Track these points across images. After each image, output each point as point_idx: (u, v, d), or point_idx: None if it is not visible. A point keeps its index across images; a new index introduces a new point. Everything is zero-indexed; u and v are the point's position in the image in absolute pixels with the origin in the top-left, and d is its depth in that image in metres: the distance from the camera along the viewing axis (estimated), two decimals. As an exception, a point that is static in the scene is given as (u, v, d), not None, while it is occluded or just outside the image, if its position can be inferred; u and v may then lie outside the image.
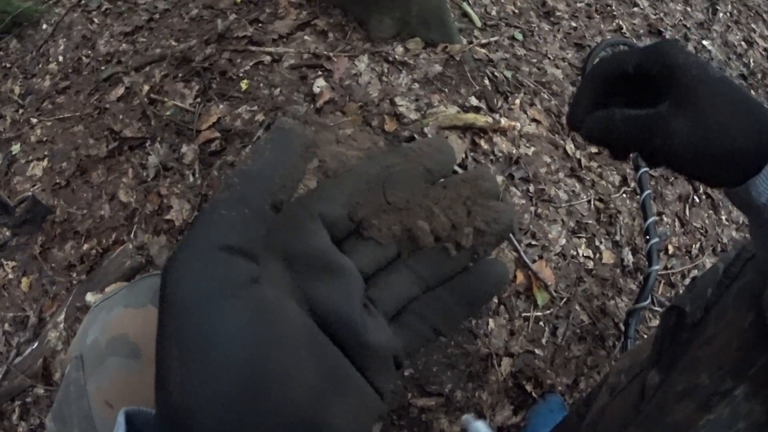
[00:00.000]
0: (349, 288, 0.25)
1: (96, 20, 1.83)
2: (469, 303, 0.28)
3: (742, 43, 2.17)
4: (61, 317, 1.44)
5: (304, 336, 0.22)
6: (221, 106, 1.45)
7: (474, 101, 1.48)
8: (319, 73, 1.45)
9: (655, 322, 1.49)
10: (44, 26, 1.91)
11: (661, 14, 2.05)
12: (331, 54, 1.46)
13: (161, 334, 0.20)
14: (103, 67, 1.70)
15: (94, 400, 0.47)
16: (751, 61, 2.13)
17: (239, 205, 0.22)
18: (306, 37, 1.51)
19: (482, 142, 1.44)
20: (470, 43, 1.60)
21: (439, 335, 0.28)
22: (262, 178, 0.23)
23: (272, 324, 0.21)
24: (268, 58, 1.48)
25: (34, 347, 1.43)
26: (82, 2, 1.91)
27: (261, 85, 1.46)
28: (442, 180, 0.28)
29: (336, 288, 0.25)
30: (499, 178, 1.44)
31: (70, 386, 0.48)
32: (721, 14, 2.19)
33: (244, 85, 1.45)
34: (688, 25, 2.08)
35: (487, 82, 1.54)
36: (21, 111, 1.79)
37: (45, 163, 1.66)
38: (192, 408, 0.18)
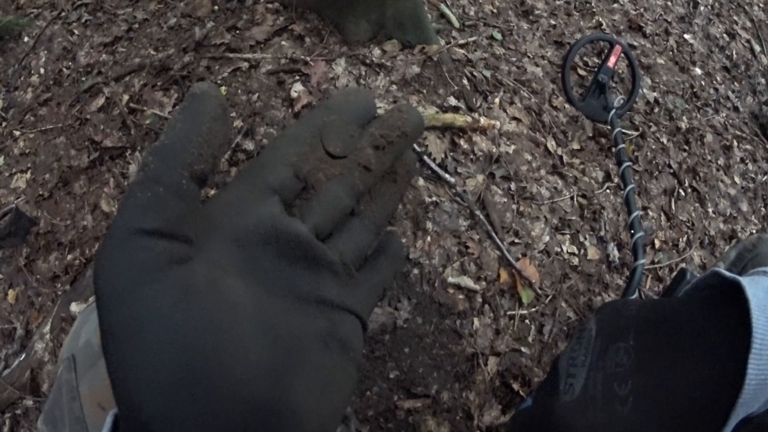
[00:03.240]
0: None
1: (76, 32, 1.84)
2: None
3: (725, 35, 2.18)
4: (47, 328, 1.43)
5: (250, 313, 0.21)
6: (200, 114, 1.44)
7: (453, 101, 1.48)
8: (297, 77, 1.45)
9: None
10: (26, 39, 1.92)
11: (642, 9, 2.05)
12: (308, 58, 1.46)
13: (99, 329, 0.19)
14: (83, 78, 1.70)
15: (87, 402, 0.46)
16: (734, 53, 2.13)
17: (153, 184, 0.20)
18: (283, 43, 1.52)
19: (462, 142, 1.44)
20: (448, 43, 1.61)
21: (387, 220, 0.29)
22: (175, 152, 0.21)
23: (204, 304, 0.20)
24: (245, 65, 1.48)
25: (21, 359, 1.43)
26: (63, 14, 1.91)
27: (239, 91, 1.46)
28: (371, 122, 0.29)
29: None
30: (480, 177, 1.44)
31: (62, 388, 0.48)
32: (702, 7, 2.19)
33: (222, 91, 1.45)
34: (669, 20, 2.08)
35: (465, 81, 1.54)
36: (4, 124, 1.79)
37: (28, 175, 1.67)
38: (137, 402, 0.18)
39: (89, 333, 0.50)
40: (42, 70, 1.83)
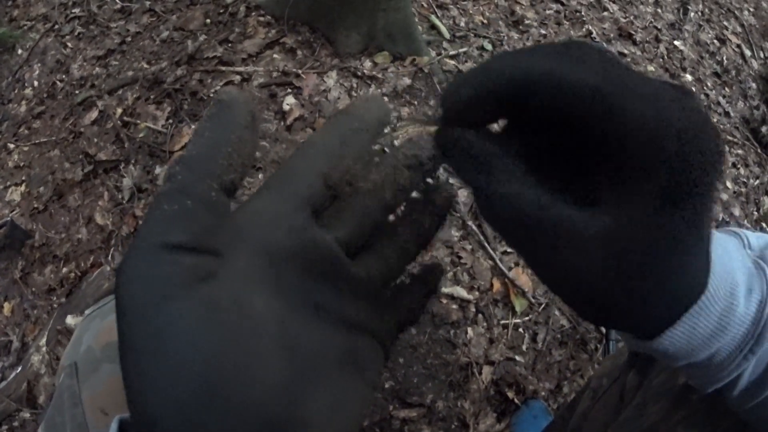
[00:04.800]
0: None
1: (69, 44, 1.85)
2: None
3: (715, 41, 2.19)
4: (43, 341, 1.44)
5: (271, 330, 0.21)
6: (193, 127, 1.46)
7: (444, 112, 1.49)
8: (289, 90, 1.46)
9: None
10: (19, 51, 1.92)
11: (631, 17, 2.07)
12: (299, 71, 1.48)
13: (119, 340, 0.19)
14: (77, 91, 1.71)
15: (89, 407, 0.47)
16: (725, 58, 2.15)
17: (180, 196, 0.20)
18: (275, 56, 1.53)
19: (453, 152, 1.45)
20: (439, 54, 1.62)
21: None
22: (203, 162, 0.21)
23: (226, 322, 0.20)
24: (237, 78, 1.49)
25: (18, 371, 1.43)
26: (56, 27, 1.92)
27: (232, 104, 1.47)
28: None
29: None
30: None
31: (64, 394, 0.48)
32: (692, 14, 2.21)
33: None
34: (659, 27, 2.10)
35: (457, 92, 1.55)
36: (-2, 137, 1.80)
37: (23, 188, 1.67)
38: (153, 416, 0.18)
39: (90, 340, 0.50)
40: (36, 83, 1.83)
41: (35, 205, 1.61)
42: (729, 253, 0.28)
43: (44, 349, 1.43)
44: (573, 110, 0.21)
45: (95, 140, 1.59)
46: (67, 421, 0.47)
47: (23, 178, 1.68)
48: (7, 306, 1.55)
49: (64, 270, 1.52)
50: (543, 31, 1.83)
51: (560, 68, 0.21)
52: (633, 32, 2.00)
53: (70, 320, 1.42)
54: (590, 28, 1.92)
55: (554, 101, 0.21)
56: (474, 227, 1.40)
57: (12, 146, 1.74)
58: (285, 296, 0.23)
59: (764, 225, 1.87)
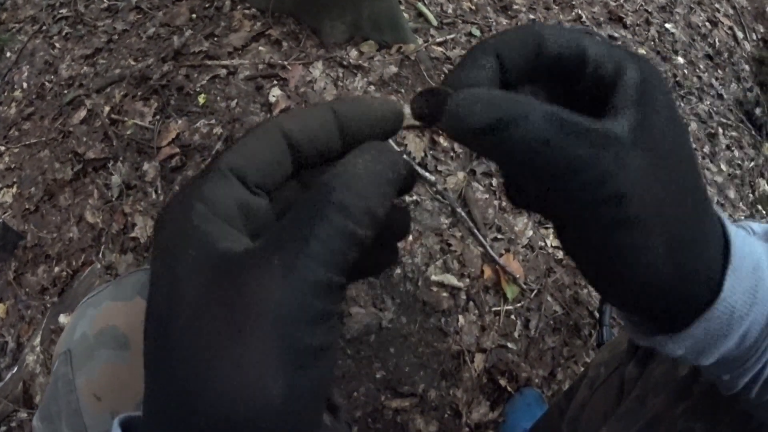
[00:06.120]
0: None
1: (57, 45, 1.85)
2: None
3: (707, 23, 2.17)
4: (37, 340, 1.44)
5: None
6: (180, 122, 1.46)
7: (431, 100, 1.48)
8: (275, 82, 1.46)
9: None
10: (8, 54, 1.93)
11: (621, 0, 2.05)
12: (285, 63, 1.47)
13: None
14: (65, 91, 1.71)
15: (83, 393, 0.47)
16: (716, 40, 2.13)
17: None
18: (260, 48, 1.53)
19: (441, 140, 1.45)
20: (426, 42, 1.61)
21: None
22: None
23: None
24: (224, 71, 1.49)
25: (14, 372, 1.44)
26: (44, 28, 1.92)
27: (218, 98, 1.47)
28: None
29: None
30: (461, 174, 1.44)
31: (58, 382, 0.48)
32: (683, -4, 2.19)
33: (201, 99, 1.46)
34: (649, 10, 2.08)
35: (444, 79, 1.54)
36: (-11, 140, 1.80)
37: (14, 189, 1.67)
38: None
39: (85, 327, 0.50)
40: (25, 85, 1.84)
41: (27, 206, 1.61)
42: (742, 238, 0.28)
43: (39, 348, 1.44)
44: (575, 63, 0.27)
45: (84, 139, 1.59)
46: (62, 408, 0.47)
47: (14, 179, 1.68)
48: (1, 307, 1.55)
49: (56, 269, 1.52)
50: (531, 16, 1.82)
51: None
52: (623, 15, 1.98)
53: (62, 319, 1.42)
54: (580, 12, 1.90)
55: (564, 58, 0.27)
56: (463, 214, 1.39)
57: (3, 149, 1.75)
58: None
59: (760, 207, 1.86)
